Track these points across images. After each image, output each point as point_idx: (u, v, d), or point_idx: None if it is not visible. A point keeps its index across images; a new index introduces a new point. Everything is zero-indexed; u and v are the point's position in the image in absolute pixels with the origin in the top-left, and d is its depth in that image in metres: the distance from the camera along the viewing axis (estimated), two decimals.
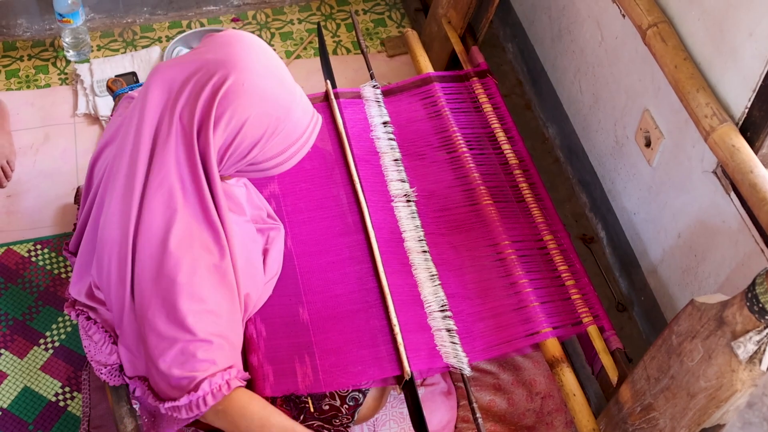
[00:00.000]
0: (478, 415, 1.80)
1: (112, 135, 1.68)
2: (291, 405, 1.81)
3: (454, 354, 1.88)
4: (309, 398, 1.81)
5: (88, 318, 1.75)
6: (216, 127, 1.50)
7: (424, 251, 2.03)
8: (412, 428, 1.97)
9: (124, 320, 1.63)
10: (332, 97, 2.27)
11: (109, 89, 2.24)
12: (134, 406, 1.74)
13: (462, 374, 1.85)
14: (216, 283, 1.59)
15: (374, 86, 2.33)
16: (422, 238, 2.05)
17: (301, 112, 1.58)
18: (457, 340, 1.90)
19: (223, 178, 1.62)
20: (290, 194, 2.09)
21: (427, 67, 2.45)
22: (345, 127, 2.21)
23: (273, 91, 1.52)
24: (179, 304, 1.55)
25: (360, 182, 2.11)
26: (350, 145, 2.19)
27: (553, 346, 1.93)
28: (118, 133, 1.64)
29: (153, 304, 1.56)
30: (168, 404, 1.60)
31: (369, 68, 2.37)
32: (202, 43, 1.60)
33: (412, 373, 1.80)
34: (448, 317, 1.94)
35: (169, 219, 1.54)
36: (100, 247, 1.60)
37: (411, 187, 2.14)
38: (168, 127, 1.52)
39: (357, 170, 2.14)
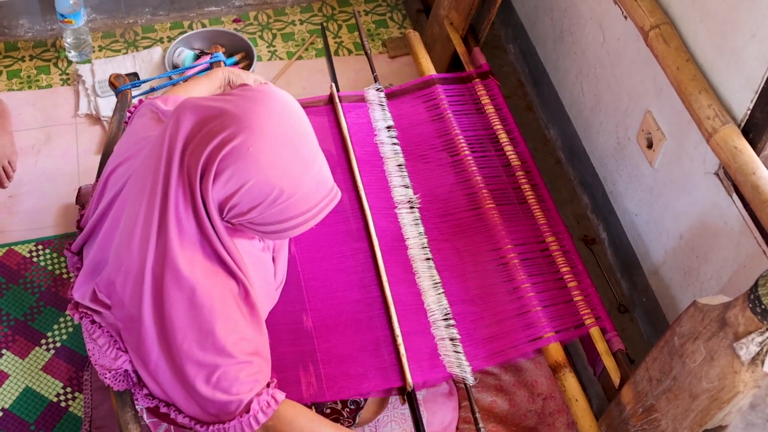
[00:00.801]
0: (481, 425, 1.80)
1: (131, 149, 1.68)
2: None
3: (458, 363, 1.88)
4: (312, 406, 1.81)
5: (93, 321, 1.75)
6: (216, 181, 1.48)
7: (428, 258, 2.03)
8: (413, 430, 1.97)
9: (148, 348, 1.62)
10: (337, 101, 2.27)
11: (112, 85, 2.23)
12: (138, 409, 1.74)
13: (464, 384, 1.86)
14: (243, 306, 1.59)
15: (378, 89, 2.33)
16: (426, 245, 2.05)
17: (314, 186, 1.53)
18: (460, 348, 1.91)
19: (228, 225, 1.59)
20: None
21: (429, 69, 2.45)
22: (349, 132, 2.21)
23: (281, 162, 1.48)
24: (216, 331, 1.54)
25: (363, 188, 2.11)
26: (354, 149, 2.19)
27: (555, 351, 1.93)
28: (138, 147, 1.64)
29: (189, 334, 1.55)
30: (215, 427, 1.58)
31: (373, 71, 2.37)
32: (237, 88, 1.58)
33: (414, 385, 1.81)
34: (452, 326, 1.94)
35: (191, 255, 1.54)
36: (116, 266, 1.60)
37: (414, 193, 2.14)
38: (179, 166, 1.52)
39: (360, 175, 2.14)
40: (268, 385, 1.62)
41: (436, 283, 1.99)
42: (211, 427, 1.59)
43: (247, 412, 1.57)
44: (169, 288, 1.54)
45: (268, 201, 1.49)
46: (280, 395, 1.62)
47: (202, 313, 1.54)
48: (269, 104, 1.50)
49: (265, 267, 1.73)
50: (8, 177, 2.54)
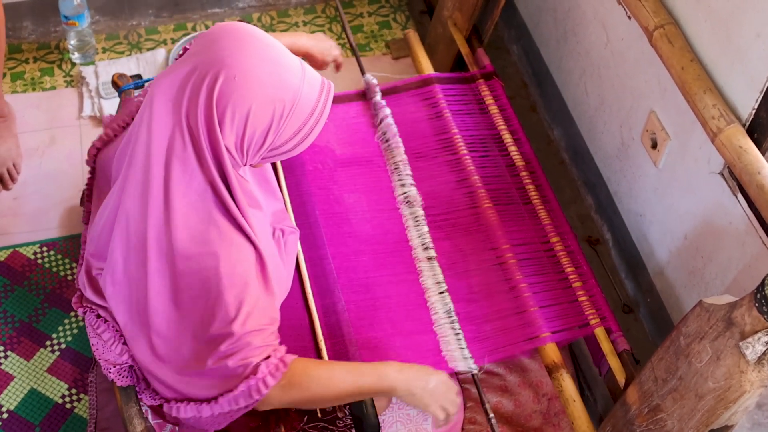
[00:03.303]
0: (491, 415, 1.80)
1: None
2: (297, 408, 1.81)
3: (462, 357, 1.88)
4: None
5: (98, 316, 1.75)
6: (222, 127, 1.49)
7: (431, 258, 2.03)
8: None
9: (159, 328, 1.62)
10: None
11: (115, 84, 2.24)
12: (143, 407, 1.74)
13: (473, 376, 1.85)
14: (259, 275, 1.60)
15: (378, 88, 2.32)
16: (429, 245, 2.05)
17: (308, 86, 1.55)
18: (464, 344, 1.91)
19: (252, 166, 1.62)
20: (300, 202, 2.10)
21: (428, 69, 2.45)
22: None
23: (268, 76, 1.50)
24: (227, 299, 1.55)
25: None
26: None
27: (552, 352, 1.93)
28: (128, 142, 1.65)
29: (199, 307, 1.56)
30: (224, 398, 1.58)
31: (360, 66, 2.37)
32: (192, 44, 1.60)
33: None
34: (455, 322, 1.94)
35: (203, 229, 1.55)
36: (123, 242, 1.61)
37: (417, 191, 2.14)
38: (181, 139, 1.52)
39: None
40: (278, 348, 1.62)
41: (439, 282, 1.99)
42: (220, 399, 1.59)
43: (255, 374, 1.56)
44: (183, 257, 1.54)
45: (277, 118, 1.51)
46: (289, 357, 1.61)
47: (219, 280, 1.54)
48: (228, 36, 1.52)
49: (273, 250, 1.74)
50: (13, 179, 2.54)
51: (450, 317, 1.94)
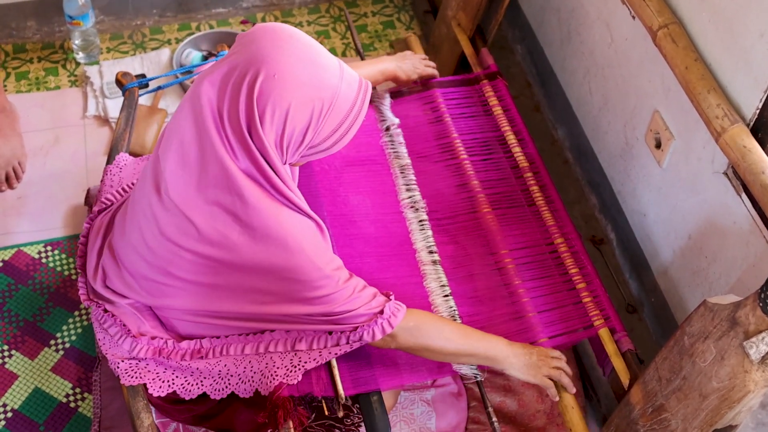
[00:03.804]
0: (494, 419, 1.80)
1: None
2: (305, 405, 1.82)
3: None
4: (323, 400, 1.82)
5: (105, 311, 1.75)
6: (263, 124, 1.51)
7: (435, 261, 2.02)
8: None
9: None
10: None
11: (119, 82, 2.24)
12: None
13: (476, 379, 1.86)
14: (325, 243, 1.67)
15: (386, 94, 2.33)
16: (433, 249, 2.05)
17: (346, 85, 1.57)
18: None
19: (292, 165, 1.65)
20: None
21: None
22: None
23: (307, 75, 1.52)
24: (319, 263, 1.60)
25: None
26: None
27: None
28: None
29: (293, 284, 1.61)
30: (358, 331, 1.68)
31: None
32: (234, 43, 1.61)
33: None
34: None
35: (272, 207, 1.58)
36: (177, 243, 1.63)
37: (421, 194, 2.14)
38: (222, 137, 1.53)
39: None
40: (389, 297, 1.72)
41: (443, 285, 1.99)
42: (355, 331, 1.68)
43: (381, 314, 1.68)
44: (261, 245, 1.57)
45: (316, 116, 1.53)
46: (403, 305, 1.73)
47: (302, 257, 1.59)
48: (268, 35, 1.55)
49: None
50: (18, 178, 2.54)
51: (454, 320, 1.94)
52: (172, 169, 1.58)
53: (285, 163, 1.58)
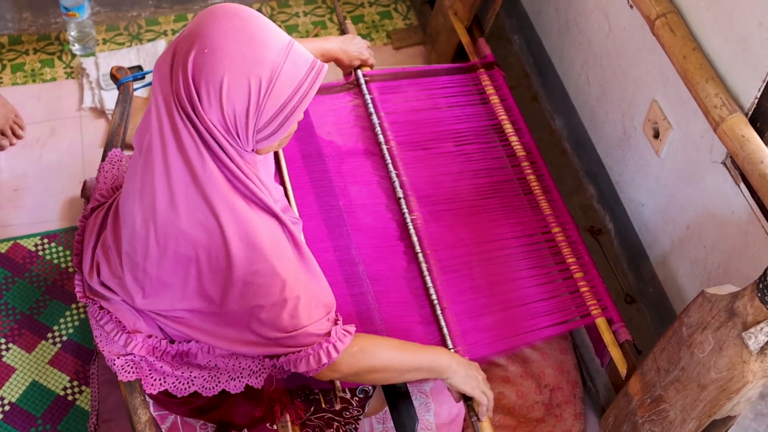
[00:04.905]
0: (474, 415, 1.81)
1: None
2: (302, 398, 1.81)
3: (462, 350, 1.89)
4: (320, 393, 1.81)
5: (101, 308, 1.75)
6: (201, 101, 1.46)
7: (431, 251, 2.02)
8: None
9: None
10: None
11: (113, 77, 2.23)
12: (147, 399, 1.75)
13: None
14: (291, 245, 1.63)
15: (380, 75, 2.31)
16: (429, 238, 2.04)
17: (290, 65, 1.50)
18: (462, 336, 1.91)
19: (258, 152, 1.59)
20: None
21: None
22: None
23: (241, 49, 1.46)
24: (276, 269, 1.57)
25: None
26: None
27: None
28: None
29: (251, 282, 1.57)
30: (294, 356, 1.63)
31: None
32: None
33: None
34: (455, 315, 1.94)
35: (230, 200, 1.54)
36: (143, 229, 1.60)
37: (416, 183, 2.13)
38: (182, 121, 1.50)
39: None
40: (336, 321, 1.67)
41: (440, 275, 1.98)
42: (291, 356, 1.63)
43: (327, 340, 1.62)
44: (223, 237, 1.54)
45: (254, 94, 1.47)
46: (352, 327, 1.67)
47: (260, 255, 1.55)
48: (211, 12, 1.51)
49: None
50: (21, 127, 2.53)
51: (450, 307, 1.94)
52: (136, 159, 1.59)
53: (244, 150, 1.54)
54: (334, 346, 1.63)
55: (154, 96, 1.53)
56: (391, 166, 2.14)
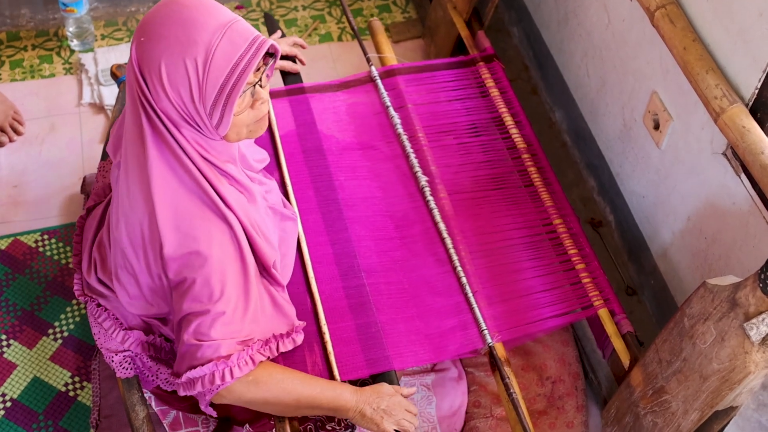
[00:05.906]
0: (512, 389, 1.82)
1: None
2: None
3: (481, 334, 1.89)
4: None
5: (99, 305, 1.75)
6: (150, 89, 1.50)
7: (433, 243, 2.02)
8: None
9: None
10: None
11: (113, 75, 2.23)
12: (145, 394, 1.75)
13: (493, 353, 1.87)
14: (235, 256, 1.62)
15: (380, 71, 2.32)
16: (429, 230, 2.05)
17: (227, 42, 1.49)
18: (483, 324, 1.91)
19: (228, 139, 1.60)
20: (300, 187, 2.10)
21: (392, 60, 2.42)
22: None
23: (174, 33, 1.48)
24: (205, 276, 1.58)
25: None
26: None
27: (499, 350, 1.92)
28: None
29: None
30: (189, 373, 1.60)
31: (364, 52, 2.37)
32: None
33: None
34: (465, 304, 1.94)
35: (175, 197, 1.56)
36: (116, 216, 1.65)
37: (417, 175, 2.14)
38: (135, 116, 1.56)
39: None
40: (251, 344, 1.63)
41: (438, 267, 1.99)
42: (183, 376, 1.61)
43: (225, 363, 1.58)
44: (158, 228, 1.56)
45: (193, 75, 1.48)
46: (259, 357, 1.64)
47: (194, 259, 1.57)
48: (156, 6, 1.54)
49: (249, 207, 1.71)
50: (21, 123, 2.51)
51: (465, 296, 1.95)
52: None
53: (215, 138, 1.57)
54: (231, 371, 1.60)
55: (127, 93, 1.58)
56: (390, 159, 2.15)
